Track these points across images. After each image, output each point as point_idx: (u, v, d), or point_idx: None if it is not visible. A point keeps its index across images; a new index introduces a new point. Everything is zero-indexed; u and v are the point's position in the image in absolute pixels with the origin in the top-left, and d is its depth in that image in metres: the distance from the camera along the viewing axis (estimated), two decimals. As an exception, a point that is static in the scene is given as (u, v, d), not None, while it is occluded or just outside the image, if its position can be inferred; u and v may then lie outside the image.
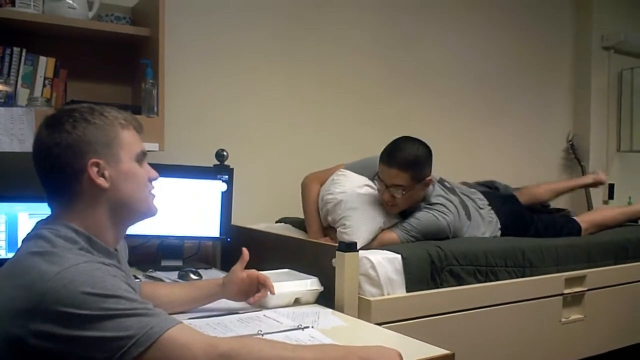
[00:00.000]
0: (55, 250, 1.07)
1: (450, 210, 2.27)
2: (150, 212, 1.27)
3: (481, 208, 2.52)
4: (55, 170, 1.16)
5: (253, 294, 1.66)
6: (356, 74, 3.17)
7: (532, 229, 2.58)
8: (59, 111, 1.22)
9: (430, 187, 2.30)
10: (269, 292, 1.67)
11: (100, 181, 1.16)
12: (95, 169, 1.15)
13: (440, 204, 2.27)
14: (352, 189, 2.27)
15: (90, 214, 1.17)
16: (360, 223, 2.17)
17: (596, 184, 3.21)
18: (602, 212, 3.02)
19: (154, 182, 1.28)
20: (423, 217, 2.22)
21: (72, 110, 1.18)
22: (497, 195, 2.75)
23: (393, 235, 2.20)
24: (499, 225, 2.51)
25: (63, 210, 1.17)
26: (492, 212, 2.54)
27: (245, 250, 1.67)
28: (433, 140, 3.43)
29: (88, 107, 1.20)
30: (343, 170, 2.39)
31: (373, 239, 2.17)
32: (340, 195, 2.24)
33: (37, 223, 1.18)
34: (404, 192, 2.17)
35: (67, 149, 1.14)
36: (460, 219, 2.33)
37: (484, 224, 2.47)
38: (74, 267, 1.02)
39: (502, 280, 2.22)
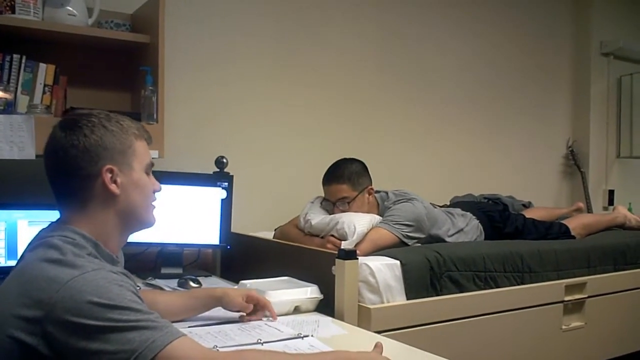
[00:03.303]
0: (64, 258, 1.07)
1: (418, 199, 2.35)
2: (150, 222, 1.29)
3: (457, 214, 2.58)
4: (69, 172, 1.16)
5: (252, 313, 1.65)
6: (358, 82, 3.17)
7: (511, 225, 2.65)
8: (75, 114, 1.23)
9: (382, 194, 2.43)
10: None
11: (113, 187, 1.18)
12: (109, 175, 1.17)
13: (406, 197, 2.36)
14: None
15: (99, 219, 1.18)
16: (352, 217, 2.21)
17: None
18: (585, 216, 3.14)
19: (156, 194, 1.30)
20: (398, 208, 2.29)
21: (89, 114, 1.20)
22: (471, 202, 2.87)
23: (381, 230, 2.21)
24: (481, 227, 2.57)
25: (72, 214, 1.18)
26: (470, 215, 2.60)
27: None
28: (434, 147, 3.47)
29: (105, 113, 1.21)
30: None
31: (364, 240, 2.15)
32: (321, 212, 2.36)
33: (41, 231, 1.18)
34: (349, 203, 2.33)
35: (84, 152, 1.15)
36: (432, 209, 2.41)
37: (463, 219, 2.54)
38: (81, 277, 1.02)
39: (501, 285, 2.22)
